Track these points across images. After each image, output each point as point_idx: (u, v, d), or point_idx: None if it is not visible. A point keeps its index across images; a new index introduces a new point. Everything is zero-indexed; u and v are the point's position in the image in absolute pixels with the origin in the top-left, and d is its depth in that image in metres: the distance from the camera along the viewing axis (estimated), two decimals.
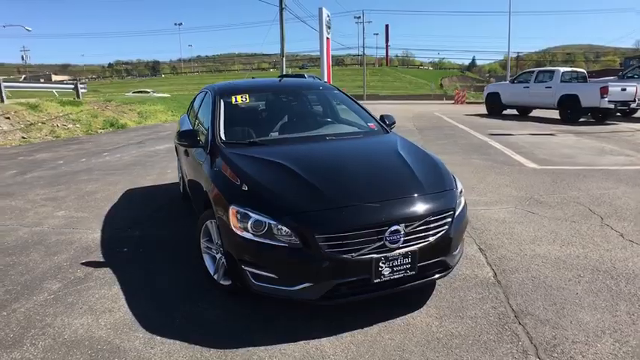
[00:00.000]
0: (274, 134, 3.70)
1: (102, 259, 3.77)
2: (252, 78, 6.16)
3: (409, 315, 2.72)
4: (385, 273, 2.51)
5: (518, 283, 3.11)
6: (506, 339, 2.46)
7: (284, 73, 31.62)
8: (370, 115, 4.16)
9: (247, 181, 2.76)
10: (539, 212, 4.66)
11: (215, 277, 3.06)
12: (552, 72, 15.16)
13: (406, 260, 2.54)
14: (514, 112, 17.55)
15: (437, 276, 2.75)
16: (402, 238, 2.52)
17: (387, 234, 2.48)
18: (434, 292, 3.00)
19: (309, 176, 2.79)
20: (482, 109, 18.91)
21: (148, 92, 32.28)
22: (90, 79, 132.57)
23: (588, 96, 13.42)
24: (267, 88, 4.64)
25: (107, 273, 3.49)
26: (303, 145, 3.44)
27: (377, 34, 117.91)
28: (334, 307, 2.76)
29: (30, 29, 60.46)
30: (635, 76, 15.23)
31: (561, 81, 14.47)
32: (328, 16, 35.85)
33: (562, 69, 15.31)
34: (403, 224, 2.52)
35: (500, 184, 5.87)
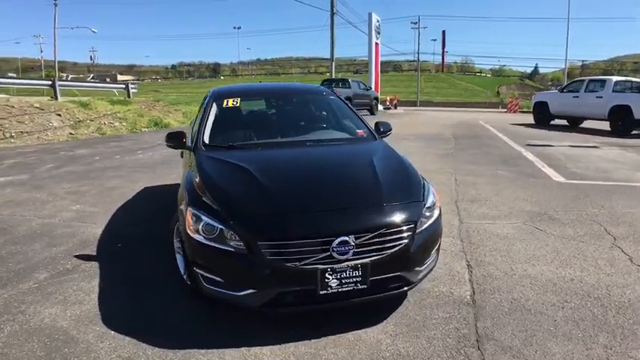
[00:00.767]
0: (257, 139, 3.71)
1: (94, 253, 3.93)
2: (260, 82, 6.22)
3: (363, 330, 2.62)
4: (332, 285, 2.43)
5: (494, 304, 2.91)
6: None
7: (333, 77, 31.98)
8: (363, 122, 4.06)
9: (208, 185, 2.78)
10: (548, 229, 4.35)
11: (185, 277, 3.10)
12: (604, 81, 14.16)
13: (356, 273, 2.44)
14: (564, 122, 16.56)
15: (394, 292, 2.63)
16: (352, 250, 2.43)
17: (334, 245, 2.40)
18: (400, 307, 2.87)
19: (269, 182, 2.76)
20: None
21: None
22: (152, 80, 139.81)
23: None
24: (262, 93, 4.66)
25: (93, 266, 3.63)
26: (279, 151, 3.43)
27: (435, 39, 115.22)
28: (290, 315, 2.72)
29: (95, 31, 64.59)
30: None
31: (613, 91, 13.47)
32: (378, 21, 35.79)
33: (614, 78, 14.27)
34: (353, 236, 2.43)
35: (516, 198, 5.54)
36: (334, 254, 2.40)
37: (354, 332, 2.60)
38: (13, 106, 12.14)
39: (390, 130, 4.13)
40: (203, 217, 2.58)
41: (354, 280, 2.45)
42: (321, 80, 26.63)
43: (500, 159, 8.60)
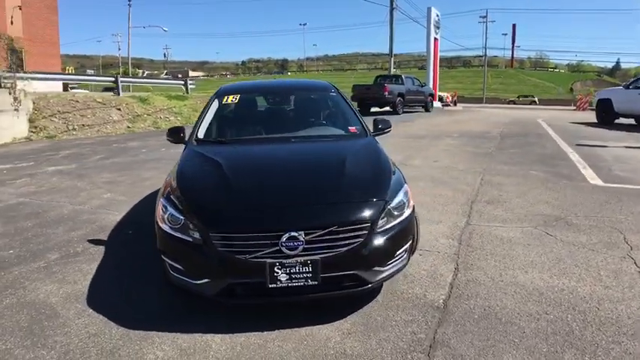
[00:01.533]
0: (248, 134, 3.80)
1: (105, 239, 4.24)
2: (275, 78, 6.33)
3: (319, 326, 2.63)
4: (282, 279, 2.46)
5: (465, 310, 2.79)
6: None
7: (391, 73, 31.55)
8: (359, 119, 4.01)
9: (179, 178, 2.93)
10: (559, 235, 4.06)
11: None
12: None
13: (306, 269, 2.46)
14: (632, 121, 15.14)
15: (350, 291, 2.61)
16: (302, 246, 2.45)
17: (283, 240, 2.43)
18: (365, 307, 2.84)
19: (234, 177, 2.85)
20: None
21: None
22: (221, 76, 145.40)
23: None
24: (264, 90, 4.75)
25: (100, 251, 3.93)
26: (262, 147, 3.51)
27: (505, 34, 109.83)
28: (256, 308, 2.79)
29: (166, 29, 68.35)
30: None
31: None
32: (437, 15, 34.76)
33: None
34: (302, 232, 2.45)
35: (538, 201, 5.21)
36: (283, 249, 2.44)
37: (308, 328, 2.62)
38: (77, 101, 13.26)
39: (389, 127, 4.05)
40: (169, 209, 2.72)
41: (305, 275, 2.47)
42: (375, 77, 26.38)
43: (539, 159, 8.08)
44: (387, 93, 20.48)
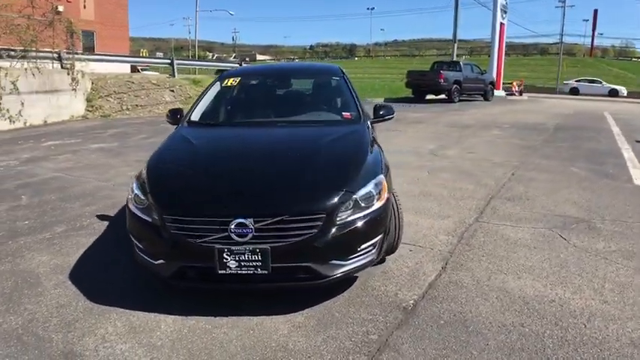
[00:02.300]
0: (240, 118, 3.77)
1: (112, 215, 4.43)
2: (281, 62, 6.22)
3: (272, 317, 2.57)
4: (231, 266, 2.42)
5: (432, 314, 2.61)
6: None
7: (454, 59, 30.23)
8: (357, 105, 3.82)
9: (153, 160, 2.96)
10: (574, 239, 3.67)
11: None
12: None
13: (255, 257, 2.40)
14: None
15: (304, 283, 2.52)
16: (251, 234, 2.39)
17: (232, 226, 2.39)
18: (327, 301, 2.73)
19: (202, 160, 2.86)
20: None
21: None
22: (288, 59, 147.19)
23: None
24: (266, 74, 4.67)
25: (103, 226, 4.12)
26: (245, 130, 3.48)
27: (586, 20, 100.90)
28: (214, 292, 2.79)
29: (233, 13, 70.02)
30: None
31: None
32: None
33: None
34: (252, 219, 2.38)
35: (566, 200, 4.75)
36: (232, 235, 2.39)
37: (261, 317, 2.57)
38: (133, 82, 13.97)
39: (391, 114, 3.84)
40: (135, 189, 2.77)
41: (254, 264, 2.42)
42: (432, 62, 25.35)
43: (586, 155, 7.38)
44: (442, 80, 19.61)
